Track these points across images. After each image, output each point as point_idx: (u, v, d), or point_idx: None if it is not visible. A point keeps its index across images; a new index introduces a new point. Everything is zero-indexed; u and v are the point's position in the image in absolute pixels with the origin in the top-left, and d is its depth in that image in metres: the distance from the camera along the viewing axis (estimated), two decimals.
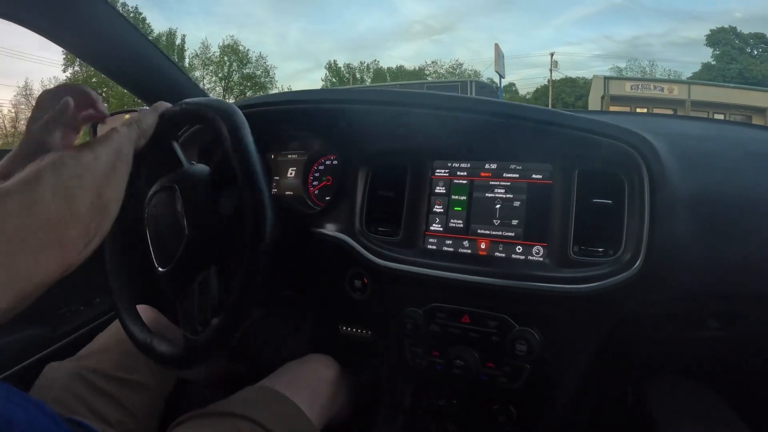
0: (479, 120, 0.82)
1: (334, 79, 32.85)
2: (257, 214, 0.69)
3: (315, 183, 1.06)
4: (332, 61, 33.78)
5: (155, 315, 1.00)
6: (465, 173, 0.87)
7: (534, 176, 0.82)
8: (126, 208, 0.62)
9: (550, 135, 0.79)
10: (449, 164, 0.88)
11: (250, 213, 0.69)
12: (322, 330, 1.17)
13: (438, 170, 0.89)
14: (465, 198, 0.86)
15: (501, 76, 17.24)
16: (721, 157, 0.84)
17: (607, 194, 0.76)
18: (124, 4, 26.14)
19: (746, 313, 0.83)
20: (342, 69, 33.22)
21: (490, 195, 0.85)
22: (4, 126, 27.71)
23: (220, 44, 30.21)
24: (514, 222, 0.83)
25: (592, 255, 0.76)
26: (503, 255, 0.83)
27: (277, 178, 1.11)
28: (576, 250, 0.77)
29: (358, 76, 32.14)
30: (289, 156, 1.11)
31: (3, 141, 26.73)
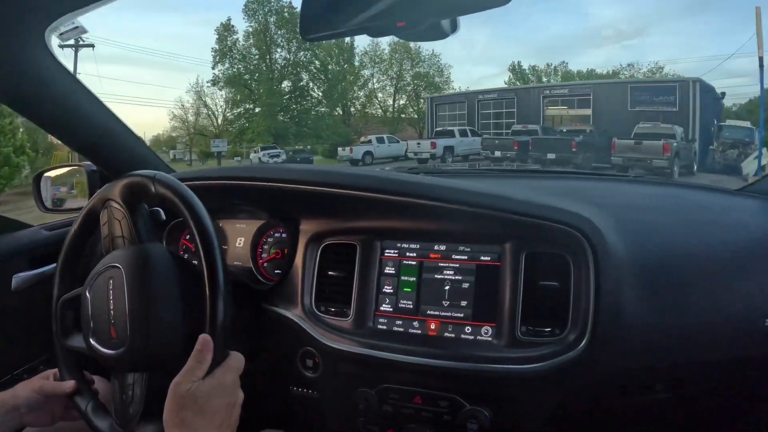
0: (427, 206, 0.83)
1: (518, 82, 28.53)
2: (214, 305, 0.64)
3: (264, 255, 1.04)
4: (516, 63, 29.63)
5: (105, 386, 0.94)
6: (414, 254, 0.88)
7: (482, 258, 0.84)
8: None
9: (497, 220, 0.80)
10: (398, 245, 0.89)
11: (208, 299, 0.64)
12: (271, 392, 1.14)
13: (387, 250, 0.89)
14: (414, 279, 0.87)
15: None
16: (662, 227, 0.88)
17: (554, 274, 0.79)
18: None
19: (688, 379, 0.88)
20: (527, 71, 29.35)
21: (439, 276, 0.86)
22: (186, 117, 27.58)
23: (390, 42, 26.90)
24: (463, 303, 0.84)
25: (540, 335, 0.78)
26: (453, 335, 0.83)
27: (225, 247, 1.08)
28: (524, 330, 0.79)
29: (544, 79, 28.52)
30: (237, 225, 1.08)
31: (185, 132, 27.70)
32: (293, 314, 0.90)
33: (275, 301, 0.93)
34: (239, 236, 1.07)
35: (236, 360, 0.65)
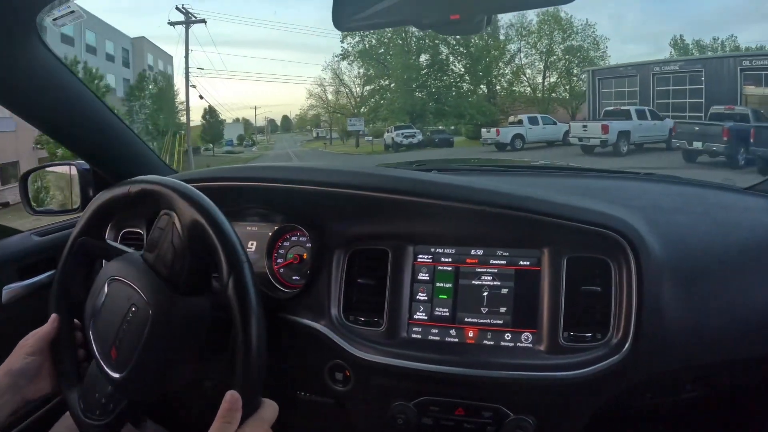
0: (463, 209, 0.79)
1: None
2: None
3: (279, 260, 0.97)
4: (678, 37, 22.29)
5: None
6: (450, 259, 0.84)
7: (521, 263, 0.81)
8: None
9: (537, 223, 0.77)
10: (432, 249, 0.84)
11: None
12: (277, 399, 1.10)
13: (420, 256, 0.85)
14: (450, 285, 0.83)
15: None
16: (690, 228, 0.88)
17: (595, 279, 0.77)
18: None
19: (718, 377, 0.89)
20: (690, 45, 22.40)
21: (476, 282, 0.82)
22: (325, 96, 25.96)
23: (539, 12, 22.34)
24: (503, 309, 0.80)
25: (581, 340, 0.77)
26: (492, 343, 0.80)
27: None
28: (566, 336, 0.77)
29: (710, 53, 23.91)
30: (249, 227, 1.01)
31: (324, 110, 26.33)
32: (320, 325, 0.85)
33: (298, 310, 0.87)
34: (250, 240, 1.01)
35: (269, 411, 0.60)
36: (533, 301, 0.79)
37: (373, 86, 24.68)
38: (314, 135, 26.04)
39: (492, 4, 0.59)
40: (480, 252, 0.83)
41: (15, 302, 0.99)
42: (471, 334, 0.81)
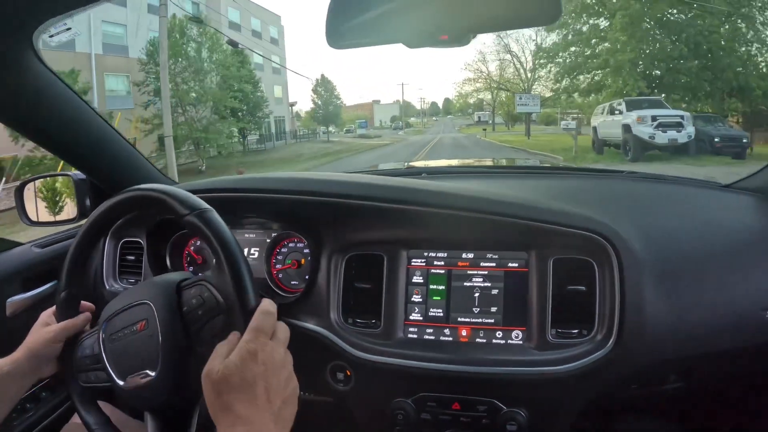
0: (454, 215, 0.82)
1: None
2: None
3: (278, 266, 1.01)
4: None
5: (110, 410, 0.91)
6: (442, 263, 0.88)
7: (510, 264, 0.85)
8: None
9: (524, 227, 0.82)
10: (426, 253, 0.88)
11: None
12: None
13: (414, 260, 0.89)
14: (444, 287, 0.87)
15: None
16: (670, 228, 0.93)
17: (579, 278, 0.82)
18: None
19: (700, 368, 0.94)
20: None
21: (468, 284, 0.86)
22: (486, 69, 19.93)
23: None
24: (493, 309, 0.85)
25: (568, 337, 0.81)
26: (484, 341, 0.85)
27: None
28: (553, 333, 0.82)
29: None
30: (247, 235, 1.04)
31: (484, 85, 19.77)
32: (320, 327, 0.88)
33: (298, 315, 0.91)
34: (252, 247, 1.04)
35: (260, 318, 0.59)
36: (522, 300, 0.84)
37: (566, 32, 14.21)
38: (476, 119, 22.88)
39: (476, 25, 0.62)
40: (471, 255, 0.87)
41: (19, 314, 1.01)
42: (464, 333, 0.86)
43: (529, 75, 17.21)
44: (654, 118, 9.21)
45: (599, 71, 12.82)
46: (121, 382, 0.66)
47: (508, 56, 18.83)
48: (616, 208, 0.91)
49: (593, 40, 13.21)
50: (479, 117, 23.53)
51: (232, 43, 15.08)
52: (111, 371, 0.67)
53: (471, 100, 22.91)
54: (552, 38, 14.50)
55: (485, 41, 20.75)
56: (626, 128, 9.54)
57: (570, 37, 14.05)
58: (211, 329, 0.64)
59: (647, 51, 11.84)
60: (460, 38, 0.63)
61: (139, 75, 14.38)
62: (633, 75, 11.45)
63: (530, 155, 11.83)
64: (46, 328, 0.74)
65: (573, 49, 14.03)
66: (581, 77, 13.88)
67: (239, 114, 17.03)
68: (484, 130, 19.46)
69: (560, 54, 14.60)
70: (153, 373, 0.65)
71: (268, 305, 0.60)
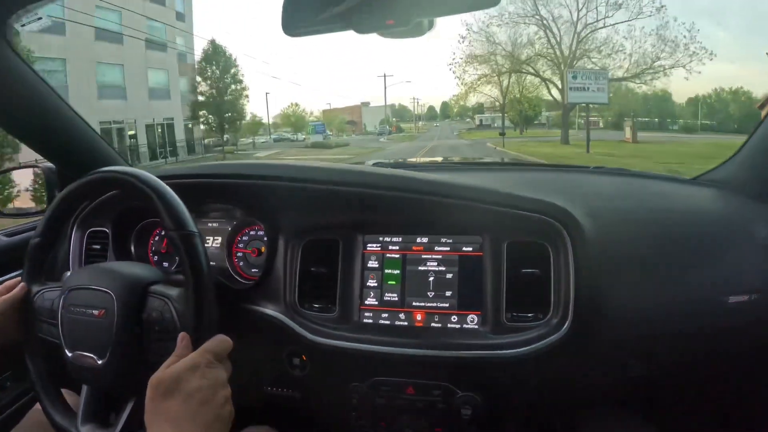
0: (408, 198, 0.83)
1: None
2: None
3: (239, 254, 1.01)
4: None
5: (75, 400, 0.90)
6: (397, 247, 0.88)
7: (464, 249, 0.85)
8: None
9: (477, 211, 0.82)
10: (380, 238, 0.88)
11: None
12: (246, 396, 1.13)
13: (369, 244, 0.89)
14: (399, 272, 0.87)
15: None
16: (629, 214, 0.93)
17: (534, 262, 0.82)
18: None
19: (660, 352, 0.93)
20: None
21: (423, 268, 0.86)
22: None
23: None
24: (448, 293, 0.85)
25: (524, 320, 0.81)
26: (439, 325, 0.84)
27: None
28: (509, 316, 0.82)
29: None
30: (210, 224, 1.04)
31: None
32: (276, 312, 0.88)
33: (256, 300, 0.91)
34: (213, 236, 1.04)
35: (214, 342, 0.62)
36: (477, 284, 0.83)
37: None
38: (477, 122, 20.52)
39: (421, 9, 0.62)
40: (425, 240, 0.87)
41: None
42: (419, 318, 0.85)
43: (568, 51, 12.44)
44: None
45: None
46: (69, 353, 0.69)
47: (532, 28, 13.94)
48: (574, 195, 0.91)
49: None
50: (481, 120, 22.02)
51: None
52: (62, 337, 0.69)
53: (471, 97, 19.45)
54: None
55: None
56: None
57: None
58: (162, 347, 0.66)
59: None
60: (405, 22, 0.63)
61: None
62: None
63: None
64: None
65: None
66: None
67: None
68: (502, 134, 14.70)
69: None
70: (100, 362, 0.67)
71: (224, 336, 0.64)
